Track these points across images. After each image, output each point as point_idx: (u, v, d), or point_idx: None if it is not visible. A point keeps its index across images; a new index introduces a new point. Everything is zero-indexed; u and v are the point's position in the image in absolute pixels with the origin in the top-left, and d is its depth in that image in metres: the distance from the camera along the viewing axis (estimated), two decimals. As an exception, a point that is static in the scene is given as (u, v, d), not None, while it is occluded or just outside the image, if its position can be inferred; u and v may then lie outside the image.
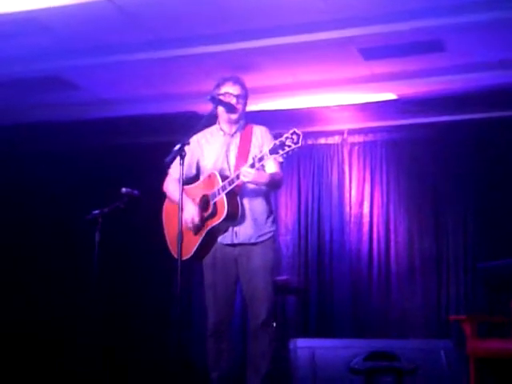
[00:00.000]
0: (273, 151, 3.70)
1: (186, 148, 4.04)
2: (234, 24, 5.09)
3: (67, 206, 6.94)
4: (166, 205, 4.28)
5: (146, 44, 5.40)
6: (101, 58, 5.60)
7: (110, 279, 5.48)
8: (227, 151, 4.15)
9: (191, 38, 5.31)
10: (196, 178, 4.25)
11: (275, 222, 4.22)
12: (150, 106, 6.65)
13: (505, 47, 5.40)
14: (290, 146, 3.64)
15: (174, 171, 4.15)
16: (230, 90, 4.16)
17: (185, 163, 4.11)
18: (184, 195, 3.86)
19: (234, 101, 4.12)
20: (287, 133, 3.67)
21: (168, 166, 3.91)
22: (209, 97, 4.07)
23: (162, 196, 5.57)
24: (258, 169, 3.83)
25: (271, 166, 4.05)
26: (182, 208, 3.73)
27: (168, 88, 6.32)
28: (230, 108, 4.10)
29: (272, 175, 4.03)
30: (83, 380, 4.69)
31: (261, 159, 3.78)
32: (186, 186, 4.07)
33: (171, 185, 4.18)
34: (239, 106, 4.16)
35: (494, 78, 5.94)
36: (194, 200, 4.07)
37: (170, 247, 4.20)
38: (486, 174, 6.44)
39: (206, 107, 4.18)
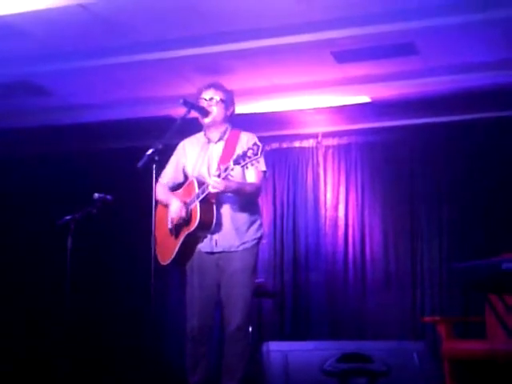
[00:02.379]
0: (235, 162, 3.75)
1: (175, 154, 4.29)
2: (207, 27, 5.08)
3: (38, 212, 6.88)
4: (158, 210, 4.27)
5: (119, 48, 5.37)
6: (74, 62, 5.56)
7: (82, 285, 5.45)
8: (209, 158, 4.16)
9: (165, 42, 5.28)
10: (184, 184, 4.29)
11: (261, 228, 4.20)
12: (123, 111, 6.61)
13: (478, 50, 5.44)
14: (250, 157, 3.70)
15: (163, 177, 4.27)
16: (204, 95, 4.20)
17: (172, 169, 4.21)
18: (171, 194, 4.19)
19: (205, 104, 4.13)
20: (251, 144, 3.74)
21: (141, 170, 3.88)
22: (182, 101, 4.08)
23: (135, 201, 5.57)
24: (224, 178, 3.84)
25: (251, 176, 4.10)
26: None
27: (142, 92, 6.29)
28: (203, 112, 4.12)
29: (243, 184, 4.06)
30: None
31: (226, 169, 3.81)
32: (172, 193, 4.26)
33: (158, 189, 4.17)
34: (212, 109, 4.16)
35: (468, 81, 5.97)
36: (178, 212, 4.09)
37: (157, 252, 4.17)
38: (461, 176, 6.47)
39: (180, 111, 4.16)
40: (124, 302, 6.79)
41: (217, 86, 4.23)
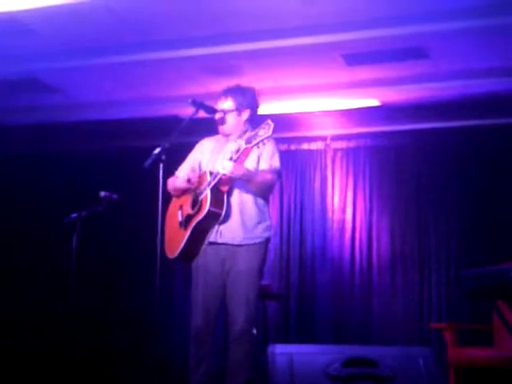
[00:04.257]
0: (247, 141, 3.79)
1: (193, 150, 4.30)
2: (216, 27, 5.07)
3: (44, 210, 6.87)
4: (170, 206, 4.29)
5: (127, 47, 5.37)
6: (82, 60, 5.57)
7: (87, 283, 5.43)
8: (224, 154, 4.14)
9: (174, 41, 5.28)
10: None
11: (269, 230, 4.14)
12: (130, 110, 6.60)
13: (488, 55, 5.41)
14: (261, 136, 3.73)
15: (179, 171, 4.27)
16: (218, 104, 4.19)
17: (188, 164, 4.23)
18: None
19: (218, 115, 4.16)
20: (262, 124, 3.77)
21: (147, 170, 3.86)
22: (190, 100, 4.08)
23: (141, 200, 5.55)
24: (236, 161, 3.85)
25: (263, 166, 4.08)
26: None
27: (150, 91, 6.28)
28: (211, 111, 4.11)
29: (254, 173, 4.01)
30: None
31: (237, 150, 3.84)
32: None
33: (170, 181, 4.21)
34: (225, 121, 4.15)
35: (478, 86, 5.95)
36: (186, 200, 4.09)
37: (165, 247, 4.17)
38: (469, 181, 6.44)
39: (188, 111, 4.15)
40: (128, 301, 6.78)
41: (227, 93, 4.19)
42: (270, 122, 3.73)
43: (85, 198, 4.66)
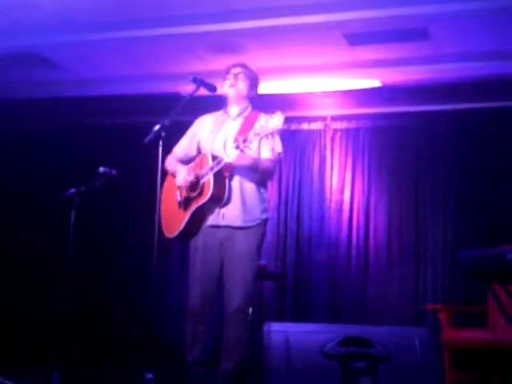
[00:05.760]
0: (256, 133, 3.78)
1: (192, 127, 4.37)
2: (219, 4, 5.04)
3: (43, 185, 6.86)
4: (166, 182, 4.32)
5: (128, 22, 5.34)
6: (83, 35, 5.55)
7: (84, 260, 5.44)
8: (226, 133, 4.16)
9: (176, 18, 5.26)
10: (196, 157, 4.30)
11: (267, 212, 4.20)
12: (131, 86, 6.58)
13: (491, 37, 5.40)
14: (272, 128, 3.73)
15: (176, 148, 4.34)
16: (232, 71, 4.28)
17: (186, 142, 4.25)
18: (179, 164, 4.25)
19: (231, 79, 4.23)
20: (272, 115, 3.76)
21: (147, 146, 3.86)
22: (191, 77, 4.08)
23: (140, 177, 5.53)
24: (242, 150, 3.86)
25: (265, 153, 4.12)
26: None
27: (151, 68, 6.25)
28: (212, 89, 4.11)
29: (258, 160, 4.07)
30: (55, 361, 4.64)
31: (245, 141, 3.84)
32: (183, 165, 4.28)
33: (168, 159, 4.28)
34: (238, 83, 4.24)
35: (479, 68, 5.93)
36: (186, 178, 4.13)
37: (162, 225, 4.20)
38: (469, 164, 6.43)
39: (189, 89, 4.14)
40: (125, 277, 6.80)
41: (245, 66, 4.31)
42: (280, 113, 3.74)
43: (83, 174, 4.66)
